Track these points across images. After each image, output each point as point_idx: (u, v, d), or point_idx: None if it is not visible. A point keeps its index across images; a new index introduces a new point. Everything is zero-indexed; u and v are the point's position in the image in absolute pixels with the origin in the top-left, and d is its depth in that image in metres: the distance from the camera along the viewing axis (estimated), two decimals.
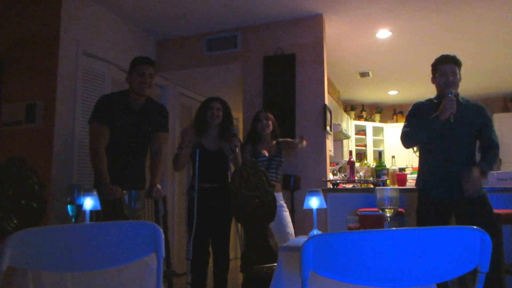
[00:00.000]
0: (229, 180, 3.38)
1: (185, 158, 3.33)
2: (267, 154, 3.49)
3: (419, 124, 2.79)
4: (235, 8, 4.33)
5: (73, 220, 1.93)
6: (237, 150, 3.24)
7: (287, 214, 3.40)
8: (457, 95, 2.82)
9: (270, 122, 3.57)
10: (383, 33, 4.90)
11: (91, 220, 1.99)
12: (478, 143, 2.84)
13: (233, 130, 3.33)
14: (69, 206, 1.93)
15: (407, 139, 2.87)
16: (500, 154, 2.70)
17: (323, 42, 4.49)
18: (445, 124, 2.70)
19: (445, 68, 2.80)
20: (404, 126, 2.93)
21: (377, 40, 5.09)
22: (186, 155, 3.33)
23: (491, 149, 2.75)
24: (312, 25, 4.50)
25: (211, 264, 3.36)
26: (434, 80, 2.89)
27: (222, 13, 4.42)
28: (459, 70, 2.83)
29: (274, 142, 3.63)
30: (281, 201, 3.43)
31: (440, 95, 2.84)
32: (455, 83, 2.79)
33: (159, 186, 2.92)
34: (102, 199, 2.12)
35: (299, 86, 4.45)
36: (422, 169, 2.93)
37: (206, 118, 3.39)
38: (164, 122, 3.10)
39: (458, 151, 2.76)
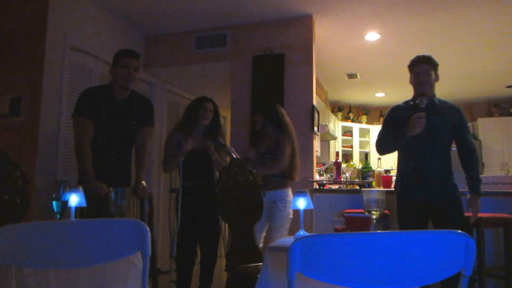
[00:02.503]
0: (215, 178, 3.38)
1: (178, 162, 3.32)
2: (261, 151, 3.44)
3: (390, 138, 2.84)
4: (225, 6, 4.31)
5: (58, 216, 1.91)
6: (233, 155, 3.24)
7: (288, 211, 3.29)
8: (432, 96, 2.84)
9: (261, 122, 3.51)
10: (372, 36, 4.94)
11: (76, 217, 1.97)
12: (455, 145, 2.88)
13: (219, 141, 3.35)
14: (54, 202, 1.91)
15: (380, 148, 2.94)
16: (483, 158, 2.75)
17: (313, 43, 4.50)
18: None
19: (418, 69, 2.82)
20: (379, 132, 2.97)
21: (366, 42, 5.13)
22: (179, 161, 3.32)
23: (471, 157, 2.77)
24: (301, 25, 4.51)
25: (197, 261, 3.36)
26: (410, 81, 2.93)
27: (212, 10, 4.41)
28: (435, 70, 2.84)
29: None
30: (286, 198, 3.32)
31: (414, 96, 2.87)
32: (428, 83, 2.80)
33: (144, 184, 2.90)
34: (87, 195, 2.10)
35: (287, 86, 4.46)
36: (400, 171, 2.96)
37: (197, 117, 3.38)
38: (149, 116, 3.07)
39: (434, 153, 2.78)
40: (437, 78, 2.86)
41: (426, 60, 2.83)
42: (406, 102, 2.96)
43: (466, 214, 2.80)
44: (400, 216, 2.86)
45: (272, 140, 3.40)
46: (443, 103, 2.87)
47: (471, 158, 2.77)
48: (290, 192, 3.36)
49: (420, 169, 2.80)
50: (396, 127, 2.83)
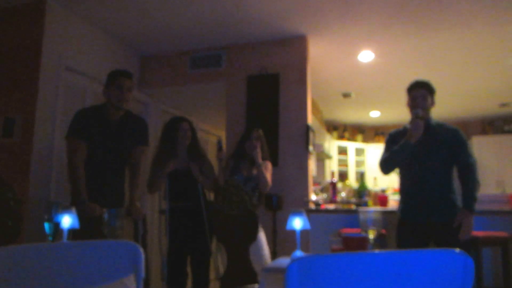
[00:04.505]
0: (201, 199, 3.37)
1: (160, 184, 3.32)
2: (245, 174, 3.44)
3: (393, 151, 2.85)
4: (220, 27, 4.36)
5: (50, 238, 1.88)
6: (222, 163, 3.25)
7: (262, 235, 3.36)
8: (428, 119, 2.87)
9: (258, 143, 3.50)
10: (366, 55, 5.00)
11: (68, 238, 1.94)
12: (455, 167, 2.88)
13: (219, 143, 3.34)
14: (46, 224, 1.89)
15: (384, 165, 2.95)
16: (478, 177, 2.75)
17: (307, 63, 4.54)
18: (417, 148, 2.76)
19: (415, 93, 2.88)
20: (382, 154, 2.99)
21: (360, 62, 5.19)
22: (162, 182, 3.32)
23: (468, 176, 2.77)
24: (296, 45, 4.56)
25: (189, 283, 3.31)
26: (407, 104, 2.97)
27: (207, 31, 4.45)
28: (431, 96, 2.90)
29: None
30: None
31: (412, 119, 2.90)
32: (424, 106, 2.85)
33: (138, 204, 2.88)
34: (80, 217, 2.08)
35: (282, 105, 4.48)
36: (401, 193, 2.97)
37: (175, 140, 3.37)
38: (143, 135, 3.07)
39: (433, 174, 2.79)
40: (433, 104, 2.90)
41: (424, 85, 2.89)
42: (405, 127, 3.00)
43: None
44: (400, 238, 2.85)
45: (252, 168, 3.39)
46: (440, 125, 2.90)
47: (466, 175, 2.77)
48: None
49: (418, 190, 2.81)
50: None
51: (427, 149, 2.79)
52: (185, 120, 3.44)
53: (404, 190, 2.93)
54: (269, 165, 3.42)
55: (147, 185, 3.38)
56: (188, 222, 3.29)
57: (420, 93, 2.87)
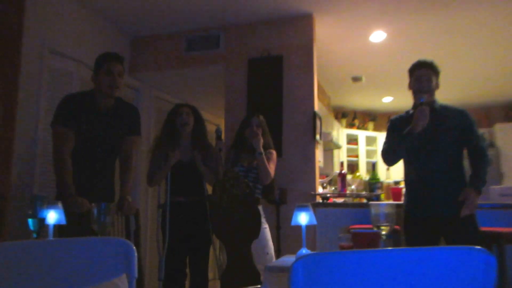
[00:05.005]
0: (206, 193, 3.37)
1: (163, 176, 3.32)
2: (245, 164, 3.43)
3: (395, 140, 2.83)
4: (217, 5, 4.33)
5: (35, 235, 1.89)
6: (221, 154, 3.25)
7: (266, 231, 3.36)
8: (432, 102, 2.85)
9: (260, 130, 3.50)
10: (378, 35, 4.96)
11: (54, 236, 1.95)
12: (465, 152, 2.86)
13: (219, 131, 3.33)
14: (30, 220, 1.89)
15: (386, 157, 2.94)
16: (502, 167, 2.74)
17: (313, 44, 4.52)
18: (422, 135, 2.72)
19: (419, 73, 2.86)
20: (384, 143, 2.98)
21: (371, 42, 5.15)
22: (165, 174, 3.32)
23: (480, 158, 2.78)
24: (301, 25, 4.53)
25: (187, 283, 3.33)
26: (410, 86, 2.95)
27: (204, 10, 4.42)
28: (436, 77, 2.88)
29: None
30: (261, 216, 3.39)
31: (415, 104, 2.88)
32: (429, 90, 2.83)
33: (130, 199, 2.88)
34: (67, 212, 2.08)
35: (286, 91, 4.47)
36: (406, 185, 2.96)
37: (176, 126, 3.38)
38: (136, 124, 3.07)
39: (441, 163, 2.78)
40: (437, 86, 2.88)
41: (428, 65, 2.86)
42: (407, 112, 2.98)
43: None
44: (407, 234, 2.85)
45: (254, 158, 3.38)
46: (445, 108, 2.87)
47: (479, 159, 2.77)
48: (261, 210, 3.43)
49: (425, 182, 2.79)
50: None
51: (434, 136, 2.77)
52: (186, 106, 3.44)
53: (409, 182, 2.92)
54: (273, 155, 3.43)
55: (147, 177, 3.39)
56: (190, 219, 3.30)
57: (424, 74, 2.84)
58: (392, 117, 3.07)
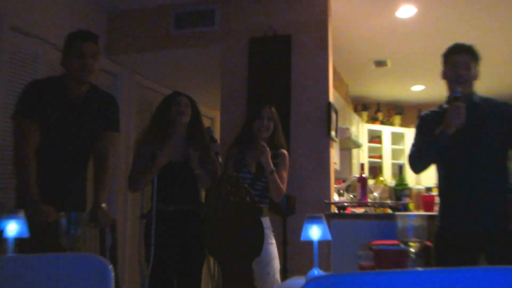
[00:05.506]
0: (201, 200, 3.36)
1: (149, 179, 3.29)
2: (253, 170, 3.42)
3: (425, 142, 2.82)
4: None
5: None
6: (219, 158, 3.23)
7: (272, 248, 3.36)
8: (471, 95, 2.83)
9: (272, 125, 3.50)
10: (406, 10, 4.96)
11: (14, 251, 1.95)
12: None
13: (210, 132, 3.32)
14: None
15: (414, 162, 2.93)
16: None
17: (328, 21, 4.52)
18: (459, 135, 2.69)
19: (456, 60, 2.83)
20: (411, 145, 2.97)
21: (398, 19, 5.15)
22: (152, 177, 3.29)
23: None
24: None
25: None
26: (444, 74, 2.93)
27: None
28: (476, 64, 2.85)
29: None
30: (267, 230, 3.39)
31: (450, 97, 2.86)
32: (467, 80, 2.82)
33: (105, 207, 2.88)
34: (30, 223, 2.08)
35: (296, 77, 4.46)
36: (440, 195, 2.95)
37: (170, 117, 3.35)
38: (114, 117, 3.07)
39: (482, 167, 2.76)
40: (476, 76, 2.86)
41: (467, 49, 2.84)
42: (440, 106, 2.97)
43: None
44: (441, 252, 2.83)
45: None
46: (486, 101, 2.86)
47: None
48: (268, 222, 3.45)
49: (463, 189, 2.78)
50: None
51: (473, 136, 2.75)
52: (185, 96, 3.43)
53: (444, 189, 2.91)
54: (285, 158, 3.46)
55: (129, 180, 3.37)
56: (181, 232, 3.28)
57: (462, 60, 2.82)
58: (423, 112, 3.06)
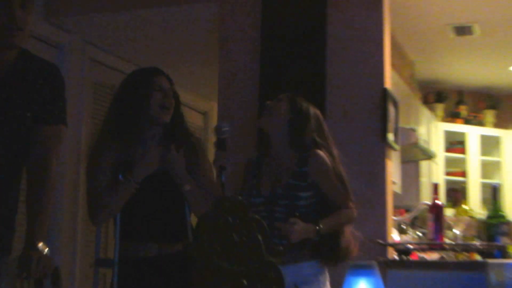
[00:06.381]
0: (189, 236, 3.36)
1: (121, 205, 3.25)
2: (267, 190, 3.42)
3: None
4: None
5: None
6: (223, 175, 3.19)
7: None
8: None
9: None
10: None
11: None
12: None
13: (222, 132, 3.24)
14: None
15: None
16: None
17: None
18: None
19: None
20: None
21: None
22: (125, 200, 3.27)
23: None
24: None
25: None
26: None
27: None
28: None
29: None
30: (319, 278, 3.38)
31: None
32: None
33: (43, 248, 2.89)
34: None
35: (333, 50, 4.47)
36: None
37: (148, 111, 3.33)
38: (57, 102, 3.04)
39: None
40: None
41: None
42: None
43: None
44: None
45: (293, 161, 3.41)
46: None
47: None
48: (325, 270, 3.40)
49: None
50: None
51: None
52: (163, 74, 3.40)
53: None
54: (340, 166, 3.42)
55: (90, 208, 3.33)
56: (162, 285, 3.29)
57: None
58: None
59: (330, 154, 3.41)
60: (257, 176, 3.47)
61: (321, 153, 3.37)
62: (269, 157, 3.48)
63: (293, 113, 3.43)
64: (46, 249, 2.87)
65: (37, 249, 2.85)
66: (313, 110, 3.52)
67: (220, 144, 3.18)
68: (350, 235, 3.39)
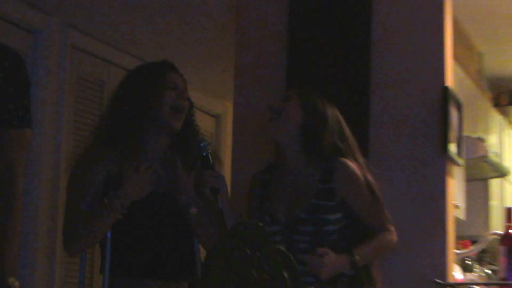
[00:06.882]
0: (198, 270, 3.39)
1: (107, 230, 3.26)
2: (282, 215, 3.42)
3: None
4: None
5: None
6: (219, 202, 3.21)
7: None
8: None
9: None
10: None
11: None
12: None
13: (204, 149, 3.25)
14: None
15: None
16: None
17: None
18: None
19: None
20: None
21: None
22: (110, 225, 3.28)
23: None
24: None
25: None
26: None
27: None
28: None
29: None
30: None
31: None
32: None
33: (13, 285, 2.93)
34: None
35: (379, 38, 4.50)
36: None
37: (157, 111, 3.33)
38: (20, 101, 3.06)
39: None
40: None
41: None
42: None
43: None
44: None
45: (314, 176, 3.42)
46: None
47: None
48: None
49: None
50: None
51: None
52: (176, 71, 3.41)
53: None
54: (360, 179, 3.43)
55: (66, 234, 3.35)
56: None
57: None
58: None
59: (358, 163, 3.40)
60: (268, 198, 3.49)
61: (349, 163, 3.36)
62: (281, 172, 3.49)
63: (306, 115, 3.41)
64: (17, 282, 2.91)
65: (7, 286, 2.89)
66: (330, 109, 3.47)
67: (204, 163, 3.24)
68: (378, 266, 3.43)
